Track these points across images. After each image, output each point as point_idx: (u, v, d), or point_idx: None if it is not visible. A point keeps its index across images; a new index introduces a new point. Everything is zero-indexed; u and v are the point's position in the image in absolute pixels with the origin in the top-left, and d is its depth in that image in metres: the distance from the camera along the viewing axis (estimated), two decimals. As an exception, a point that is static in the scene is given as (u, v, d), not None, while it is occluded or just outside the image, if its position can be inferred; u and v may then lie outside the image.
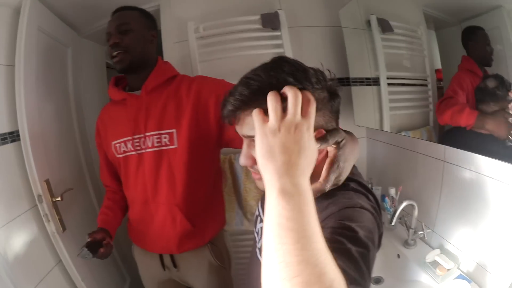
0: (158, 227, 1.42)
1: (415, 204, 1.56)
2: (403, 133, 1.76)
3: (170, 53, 2.08)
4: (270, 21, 1.94)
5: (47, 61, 1.84)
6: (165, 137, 1.32)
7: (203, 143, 1.37)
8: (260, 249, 0.97)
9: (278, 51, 1.94)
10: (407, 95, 1.78)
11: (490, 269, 1.26)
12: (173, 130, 1.31)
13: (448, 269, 1.35)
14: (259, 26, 1.95)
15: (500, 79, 1.20)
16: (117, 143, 1.39)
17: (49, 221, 1.66)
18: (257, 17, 1.95)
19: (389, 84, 1.81)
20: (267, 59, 1.00)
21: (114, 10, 1.40)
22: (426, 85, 1.62)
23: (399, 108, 1.83)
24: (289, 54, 1.92)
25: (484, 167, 1.30)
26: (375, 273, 1.58)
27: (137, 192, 1.41)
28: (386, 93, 1.82)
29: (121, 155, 1.39)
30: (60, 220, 1.70)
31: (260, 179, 0.69)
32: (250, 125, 0.71)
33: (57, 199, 1.68)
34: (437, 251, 1.46)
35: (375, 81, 1.88)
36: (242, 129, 0.76)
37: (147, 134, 1.32)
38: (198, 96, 1.33)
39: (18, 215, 1.56)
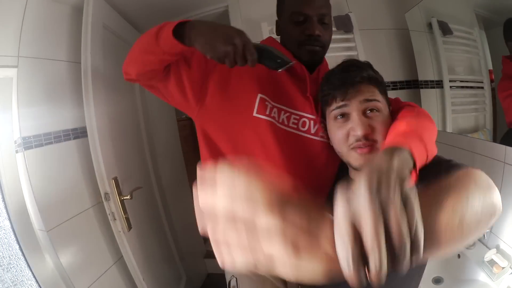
0: None
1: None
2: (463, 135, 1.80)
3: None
4: (343, 24, 2.04)
5: (113, 59, 1.80)
6: (311, 122, 1.11)
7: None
8: None
9: (351, 53, 2.05)
10: (466, 98, 1.80)
11: None
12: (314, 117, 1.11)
13: (503, 267, 1.39)
14: (333, 28, 2.04)
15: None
16: (269, 102, 1.06)
17: (115, 219, 1.64)
18: None
19: (451, 87, 1.85)
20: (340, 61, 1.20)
21: None
22: (482, 87, 1.65)
23: (458, 111, 1.86)
24: (362, 56, 2.03)
25: None
26: (435, 273, 1.69)
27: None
28: (449, 95, 1.87)
29: (267, 117, 1.04)
30: (127, 218, 1.67)
31: (370, 148, 0.89)
32: (368, 92, 0.91)
33: (126, 197, 1.67)
34: (494, 250, 1.49)
35: (438, 84, 1.92)
36: (361, 97, 0.91)
37: (300, 113, 1.10)
38: None
39: (78, 213, 1.56)
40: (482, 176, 0.60)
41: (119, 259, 1.74)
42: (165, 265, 2.23)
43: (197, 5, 2.11)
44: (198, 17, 2.18)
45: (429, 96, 2.03)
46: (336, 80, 0.94)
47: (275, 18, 1.20)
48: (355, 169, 0.95)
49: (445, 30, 1.76)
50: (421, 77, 2.06)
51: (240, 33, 0.84)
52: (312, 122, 1.09)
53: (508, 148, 1.44)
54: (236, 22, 2.12)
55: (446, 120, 1.90)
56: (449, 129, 1.89)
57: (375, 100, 0.91)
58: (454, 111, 1.85)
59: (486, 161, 1.60)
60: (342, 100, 0.92)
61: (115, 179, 1.64)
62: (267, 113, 1.04)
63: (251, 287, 1.13)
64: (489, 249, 1.51)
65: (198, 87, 1.06)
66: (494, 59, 1.53)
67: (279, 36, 1.19)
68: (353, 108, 0.91)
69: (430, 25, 1.84)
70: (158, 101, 2.14)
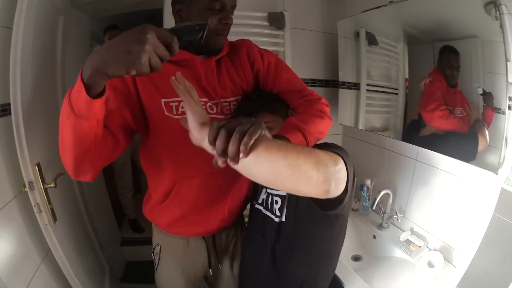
0: (222, 197, 1.31)
1: (390, 193, 1.86)
2: (375, 133, 2.09)
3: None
4: (277, 20, 2.12)
5: (43, 27, 1.61)
6: (235, 102, 1.24)
7: None
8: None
9: (279, 49, 2.16)
10: (381, 101, 2.07)
11: (454, 246, 1.58)
12: (239, 97, 1.25)
13: (419, 246, 1.66)
14: (265, 23, 2.12)
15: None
16: (171, 101, 1.15)
17: (40, 211, 1.42)
18: (265, 14, 2.11)
19: (367, 90, 2.11)
20: None
21: None
22: (397, 94, 1.92)
23: (372, 112, 2.14)
24: (288, 53, 2.16)
25: (443, 165, 1.64)
26: (353, 251, 1.91)
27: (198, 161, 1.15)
28: (364, 97, 2.13)
29: (178, 116, 1.14)
30: (52, 209, 1.46)
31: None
32: None
33: (50, 185, 1.45)
34: (408, 232, 1.78)
35: (355, 86, 2.17)
36: None
37: (214, 101, 1.20)
38: (247, 59, 1.30)
39: (2, 206, 1.31)
40: (329, 157, 0.78)
41: (46, 254, 1.55)
42: (89, 257, 2.09)
43: None
44: None
45: (345, 96, 2.28)
46: None
47: None
48: None
49: (371, 40, 1.99)
50: (341, 78, 2.29)
51: (146, 27, 0.72)
52: (215, 105, 1.19)
53: (420, 148, 1.75)
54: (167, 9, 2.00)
55: (359, 118, 2.17)
56: (361, 126, 2.16)
57: None
58: (367, 111, 2.13)
59: (398, 157, 1.91)
60: None
61: (38, 165, 1.41)
62: (174, 112, 1.14)
63: (173, 255, 1.36)
64: (403, 231, 1.80)
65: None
66: (412, 70, 1.80)
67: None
68: None
69: (357, 34, 2.07)
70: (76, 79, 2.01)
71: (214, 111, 1.19)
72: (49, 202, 1.45)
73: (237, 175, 0.82)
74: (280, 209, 1.21)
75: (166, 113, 1.14)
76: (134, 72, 0.71)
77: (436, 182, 1.68)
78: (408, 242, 1.70)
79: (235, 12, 1.23)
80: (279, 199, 1.23)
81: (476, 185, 1.47)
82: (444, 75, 1.59)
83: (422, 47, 1.72)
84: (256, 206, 1.34)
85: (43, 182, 1.42)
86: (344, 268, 1.56)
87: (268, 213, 1.25)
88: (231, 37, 1.31)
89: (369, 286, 1.47)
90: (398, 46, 1.85)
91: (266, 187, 1.28)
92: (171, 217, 1.30)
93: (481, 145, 1.41)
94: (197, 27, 0.82)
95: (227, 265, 1.48)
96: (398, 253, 1.73)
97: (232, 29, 1.49)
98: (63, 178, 1.70)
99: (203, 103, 1.17)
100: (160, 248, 1.39)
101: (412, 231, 1.79)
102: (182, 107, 1.14)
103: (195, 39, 0.84)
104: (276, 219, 1.21)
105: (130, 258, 2.80)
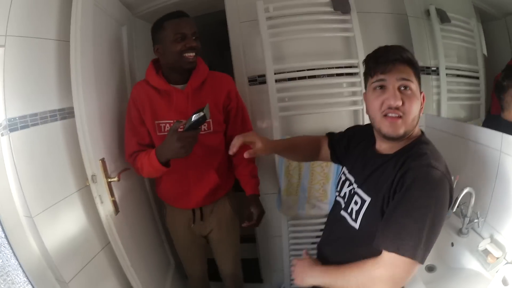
0: (194, 184, 1.75)
1: (473, 192, 1.54)
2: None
3: (236, 32, 2.12)
4: (341, 5, 1.97)
5: (103, 38, 1.80)
6: (204, 124, 1.66)
7: (223, 127, 1.78)
8: (346, 208, 1.25)
9: (347, 34, 2.01)
10: (462, 86, 1.80)
11: None
12: (210, 120, 1.67)
13: (497, 258, 1.40)
14: (329, 9, 1.98)
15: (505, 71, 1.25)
16: (161, 123, 1.66)
17: (102, 202, 1.58)
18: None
19: (447, 74, 1.84)
20: (336, 42, 2.04)
21: (173, 12, 1.60)
22: (477, 77, 1.66)
23: (453, 99, 1.86)
24: (358, 38, 1.99)
25: None
26: (428, 261, 1.66)
27: (177, 163, 1.62)
28: (445, 83, 1.87)
29: (162, 133, 1.67)
30: (114, 202, 1.62)
31: (398, 118, 1.09)
32: (404, 72, 1.09)
33: (114, 179, 1.62)
34: (488, 240, 1.50)
35: (433, 70, 1.91)
36: (398, 75, 1.09)
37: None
38: (227, 95, 1.73)
39: (64, 197, 1.51)
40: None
41: (107, 245, 1.70)
42: (153, 250, 2.22)
43: None
44: None
45: (425, 82, 2.00)
46: (378, 58, 1.13)
47: None
48: (384, 136, 1.13)
49: (443, 17, 1.74)
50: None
51: (173, 136, 1.40)
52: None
53: (505, 135, 1.41)
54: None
55: (441, 106, 1.92)
56: (443, 114, 1.90)
57: (409, 80, 1.09)
58: (449, 98, 1.86)
59: (479, 149, 1.59)
60: (382, 73, 1.10)
61: (103, 161, 1.58)
62: (163, 130, 1.68)
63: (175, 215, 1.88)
64: (483, 238, 1.52)
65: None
66: (490, 51, 1.56)
67: (162, 60, 1.66)
68: (390, 82, 1.09)
69: (428, 12, 1.82)
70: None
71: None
72: (112, 194, 1.61)
73: (205, 171, 1.74)
74: (357, 213, 1.18)
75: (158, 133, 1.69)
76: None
77: None
78: (486, 252, 1.43)
79: (295, 1, 1.98)
80: (359, 200, 1.20)
81: None
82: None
83: (495, 23, 1.50)
84: (337, 198, 1.37)
85: (107, 176, 1.58)
86: (414, 280, 1.36)
87: (345, 214, 1.25)
88: (296, 27, 1.98)
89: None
90: (471, 23, 1.61)
91: (352, 182, 1.30)
92: (168, 195, 1.86)
93: None
94: (200, 119, 1.34)
95: (209, 230, 1.91)
96: (473, 264, 1.46)
97: (295, 18, 1.98)
98: (133, 176, 1.92)
99: (171, 123, 1.64)
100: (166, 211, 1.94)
101: (492, 239, 1.49)
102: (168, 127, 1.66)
103: (202, 121, 1.36)
104: (351, 222, 1.21)
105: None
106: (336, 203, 1.36)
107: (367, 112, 1.22)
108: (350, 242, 1.19)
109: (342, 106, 2.13)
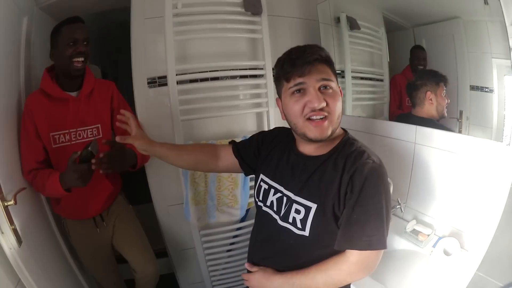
0: (92, 196, 1.78)
1: (391, 181, 1.67)
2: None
3: (139, 29, 1.96)
4: (252, 5, 1.97)
5: (5, 29, 1.62)
6: (95, 130, 1.78)
7: (110, 130, 1.85)
8: (286, 219, 1.16)
9: (256, 36, 2.04)
10: (367, 87, 2.00)
11: (465, 229, 1.47)
12: (98, 125, 1.78)
13: (428, 235, 1.56)
14: (239, 9, 1.97)
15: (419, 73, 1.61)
16: (55, 134, 1.68)
17: (2, 233, 1.27)
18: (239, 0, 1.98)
19: (352, 77, 2.03)
20: (242, 43, 2.03)
21: (70, 17, 1.65)
22: (382, 80, 1.86)
23: (359, 99, 2.06)
24: (266, 41, 2.01)
25: (439, 142, 1.53)
26: None
27: None
28: (350, 85, 2.04)
29: (57, 145, 1.68)
30: (15, 230, 1.33)
31: (324, 120, 1.06)
32: (324, 72, 1.07)
33: (10, 203, 1.30)
34: (414, 221, 1.66)
35: (339, 74, 2.08)
36: (318, 75, 1.06)
37: (81, 128, 1.74)
38: (112, 100, 1.85)
39: None
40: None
41: (18, 283, 1.32)
42: (65, 279, 1.93)
43: None
44: None
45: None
46: (295, 60, 1.07)
47: None
48: (311, 140, 1.10)
49: (353, 25, 1.92)
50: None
51: (69, 170, 1.49)
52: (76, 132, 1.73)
53: (419, 128, 1.62)
54: None
55: (345, 107, 2.07)
56: (348, 113, 2.07)
57: (329, 79, 1.08)
58: (354, 99, 2.05)
59: (394, 143, 1.78)
60: (300, 77, 1.07)
61: None
62: (57, 142, 1.69)
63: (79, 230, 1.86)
64: (407, 221, 1.70)
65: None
66: (391, 57, 1.79)
67: (56, 65, 1.72)
68: (311, 84, 1.06)
69: (338, 19, 1.99)
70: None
71: (82, 135, 1.75)
72: (11, 222, 1.30)
73: (99, 181, 1.75)
74: (303, 222, 1.11)
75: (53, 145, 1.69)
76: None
77: (438, 164, 1.56)
78: (415, 232, 1.61)
79: None
80: (302, 209, 1.12)
81: (486, 161, 1.35)
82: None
83: (403, 33, 1.70)
84: (264, 208, 1.26)
85: (3, 199, 1.27)
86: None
87: (287, 225, 1.16)
88: (204, 26, 1.92)
89: (382, 286, 1.35)
90: (380, 31, 1.80)
91: (279, 190, 1.22)
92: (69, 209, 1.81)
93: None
94: (89, 154, 1.47)
95: (112, 228, 1.95)
96: (405, 244, 1.62)
97: (204, 16, 1.92)
98: (29, 197, 1.67)
99: (75, 131, 1.73)
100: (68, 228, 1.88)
101: (417, 220, 1.69)
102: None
103: (91, 157, 1.48)
104: (297, 231, 1.12)
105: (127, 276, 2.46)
106: (264, 215, 1.27)
107: (285, 118, 1.18)
108: (302, 249, 1.15)
109: (246, 108, 2.13)
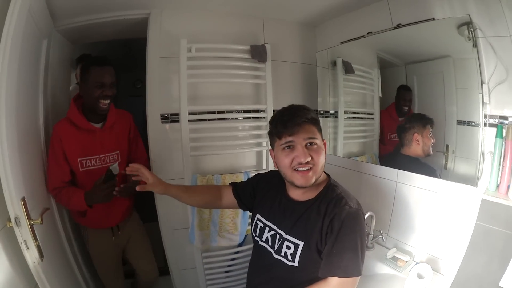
0: (112, 209, 2.00)
1: (373, 215, 1.88)
2: (352, 158, 2.14)
3: (154, 66, 2.13)
4: (259, 54, 2.18)
5: (27, 53, 1.57)
6: (115, 156, 1.98)
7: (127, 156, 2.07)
8: (279, 253, 1.36)
9: (260, 81, 2.26)
10: (358, 126, 2.17)
11: (440, 256, 1.63)
12: (118, 152, 1.99)
13: (406, 261, 1.71)
14: (247, 56, 2.18)
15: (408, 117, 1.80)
16: (83, 160, 1.87)
17: (28, 248, 1.34)
18: (247, 47, 2.17)
19: (345, 118, 2.21)
20: (247, 87, 2.31)
21: (100, 57, 1.83)
22: (372, 118, 2.03)
23: (350, 138, 2.23)
24: (269, 84, 2.23)
25: (422, 183, 1.71)
26: None
27: None
28: (342, 124, 2.22)
29: (84, 169, 1.88)
30: (38, 246, 1.38)
31: (309, 171, 1.27)
32: (310, 131, 1.28)
33: (37, 221, 1.37)
34: (394, 249, 1.82)
35: (333, 114, 2.28)
36: (305, 135, 1.27)
37: (105, 155, 1.93)
38: (130, 131, 2.07)
39: None
40: None
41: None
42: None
43: (120, 6, 2.03)
44: (118, 19, 2.10)
45: (324, 124, 2.35)
46: (286, 122, 1.29)
47: (196, 36, 2.11)
48: (297, 186, 1.31)
49: (348, 69, 2.12)
50: (320, 107, 2.38)
51: (96, 189, 1.75)
52: (104, 157, 1.93)
53: (400, 171, 1.81)
54: (154, 32, 2.11)
55: (337, 145, 2.25)
56: (339, 153, 2.24)
57: (314, 138, 1.29)
58: (346, 137, 2.22)
59: (379, 181, 1.96)
60: (290, 136, 1.28)
61: (24, 200, 1.32)
62: (84, 165, 1.87)
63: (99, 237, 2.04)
64: (389, 249, 1.84)
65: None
66: (383, 92, 1.95)
67: (83, 97, 1.86)
68: (298, 142, 1.27)
69: (334, 63, 2.19)
70: (59, 108, 2.14)
71: (106, 160, 1.93)
72: (36, 238, 1.37)
73: (117, 200, 1.88)
74: (293, 255, 1.31)
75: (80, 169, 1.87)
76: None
77: (417, 199, 1.75)
78: (395, 258, 1.74)
79: (219, 45, 2.12)
80: (292, 245, 1.32)
81: (457, 198, 1.54)
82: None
83: (395, 70, 1.87)
84: (260, 242, 1.47)
85: (29, 218, 1.33)
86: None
87: (281, 258, 1.36)
88: (214, 71, 2.10)
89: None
90: (373, 72, 1.97)
91: (273, 228, 1.43)
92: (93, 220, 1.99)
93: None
94: (110, 174, 1.72)
95: (127, 238, 2.16)
96: (386, 269, 1.75)
97: (215, 62, 2.12)
98: (51, 216, 1.82)
99: (99, 157, 1.91)
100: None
101: (398, 248, 1.83)
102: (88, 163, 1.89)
103: (113, 176, 1.74)
104: (288, 263, 1.32)
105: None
106: (261, 248, 1.46)
107: (277, 167, 1.39)
108: (292, 276, 1.34)
109: (248, 147, 2.32)
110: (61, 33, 2.17)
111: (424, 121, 1.72)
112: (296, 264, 1.29)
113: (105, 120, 1.91)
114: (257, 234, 1.48)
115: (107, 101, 1.83)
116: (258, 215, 1.51)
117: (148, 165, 2.12)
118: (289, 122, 1.27)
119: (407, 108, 1.82)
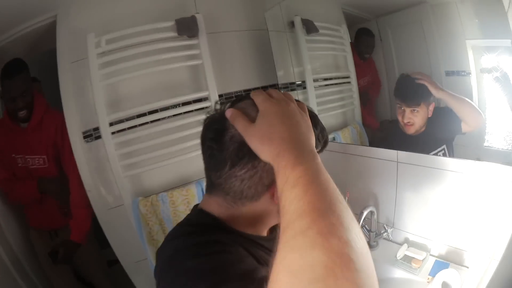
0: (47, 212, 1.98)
1: (374, 210, 1.55)
2: (333, 134, 1.76)
3: (66, 76, 1.69)
4: (187, 28, 1.71)
5: None
6: (41, 159, 1.91)
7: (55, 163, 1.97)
8: None
9: (196, 62, 1.78)
10: (333, 95, 1.80)
11: (464, 247, 1.32)
12: (44, 156, 1.92)
13: (422, 259, 1.38)
14: (172, 34, 1.71)
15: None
16: (17, 157, 1.87)
17: None
18: (171, 23, 1.71)
19: (315, 87, 1.83)
20: (183, 73, 1.83)
21: (10, 71, 1.73)
22: (349, 82, 1.70)
23: (326, 110, 1.84)
24: (208, 64, 1.76)
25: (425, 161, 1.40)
26: None
27: None
28: (313, 97, 1.83)
29: (20, 165, 1.88)
30: None
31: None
32: None
33: None
34: (405, 246, 1.48)
35: (300, 85, 1.90)
36: None
37: (29, 156, 1.89)
38: (56, 133, 1.90)
39: None
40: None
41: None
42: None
43: (23, 18, 1.67)
44: (26, 32, 1.74)
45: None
46: None
47: (107, 25, 1.66)
48: None
49: (310, 28, 1.74)
50: (281, 80, 1.97)
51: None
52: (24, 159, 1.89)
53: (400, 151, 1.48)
54: (62, 34, 1.66)
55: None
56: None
57: None
58: (321, 111, 1.83)
59: (374, 162, 1.63)
60: None
61: None
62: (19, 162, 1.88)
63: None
64: (397, 244, 1.51)
65: None
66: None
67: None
68: None
69: (292, 24, 1.80)
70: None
71: (24, 163, 1.89)
72: None
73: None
74: None
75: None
76: None
77: (424, 181, 1.42)
78: (407, 258, 1.42)
79: (131, 30, 1.63)
80: None
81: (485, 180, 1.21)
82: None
83: (365, 25, 1.59)
84: None
85: None
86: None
87: None
88: (135, 62, 1.63)
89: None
90: (341, 29, 1.65)
91: None
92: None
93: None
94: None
95: None
96: (398, 273, 1.44)
97: (134, 50, 1.65)
98: None
99: (24, 158, 1.88)
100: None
101: (409, 243, 1.50)
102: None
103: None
104: None
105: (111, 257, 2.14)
106: None
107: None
108: None
109: (196, 148, 1.75)
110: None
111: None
112: None
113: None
114: None
115: (22, 112, 1.80)
116: None
117: (82, 190, 1.76)
118: None
119: (368, 56, 1.62)
